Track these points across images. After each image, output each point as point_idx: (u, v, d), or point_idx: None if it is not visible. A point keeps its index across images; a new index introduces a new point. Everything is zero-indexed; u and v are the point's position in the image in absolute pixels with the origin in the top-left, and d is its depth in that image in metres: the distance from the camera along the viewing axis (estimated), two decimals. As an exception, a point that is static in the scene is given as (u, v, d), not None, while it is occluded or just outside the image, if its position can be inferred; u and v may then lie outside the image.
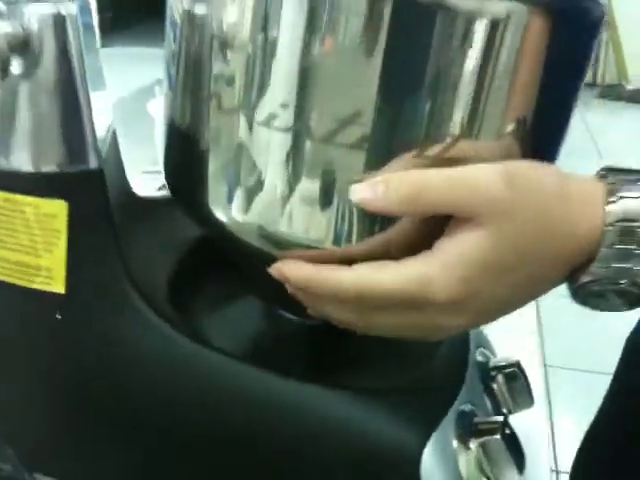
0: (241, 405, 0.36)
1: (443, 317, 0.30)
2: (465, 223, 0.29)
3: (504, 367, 0.43)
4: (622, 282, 0.31)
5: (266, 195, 0.32)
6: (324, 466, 0.35)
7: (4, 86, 0.32)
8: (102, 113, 0.37)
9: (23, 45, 0.32)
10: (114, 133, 0.41)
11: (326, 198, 0.31)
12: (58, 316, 0.37)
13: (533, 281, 0.31)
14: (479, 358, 0.44)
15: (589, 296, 0.32)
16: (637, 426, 0.58)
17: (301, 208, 0.32)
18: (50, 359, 0.38)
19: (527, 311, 0.69)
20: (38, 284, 0.36)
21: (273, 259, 0.32)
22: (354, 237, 0.32)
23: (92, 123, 0.35)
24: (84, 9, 0.34)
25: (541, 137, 0.34)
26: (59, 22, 0.32)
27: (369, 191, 0.29)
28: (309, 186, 0.31)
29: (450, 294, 0.29)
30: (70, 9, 0.32)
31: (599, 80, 4.21)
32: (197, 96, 0.34)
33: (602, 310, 0.33)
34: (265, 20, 0.30)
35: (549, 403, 1.81)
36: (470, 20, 0.29)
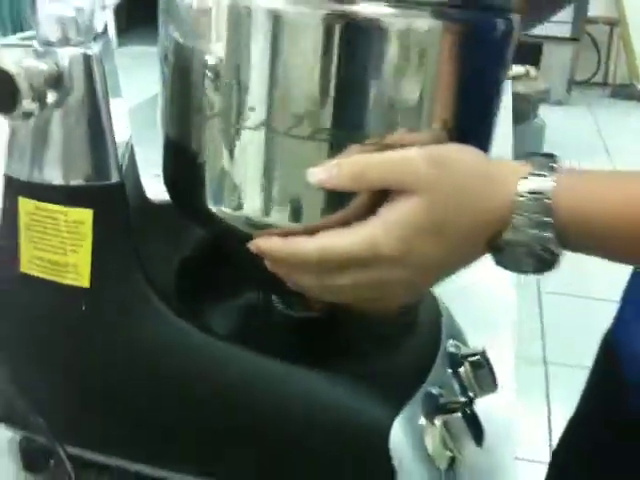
0: (238, 382, 0.42)
1: (388, 271, 0.37)
2: (400, 195, 0.37)
3: (471, 355, 0.49)
4: (535, 246, 0.37)
5: (249, 190, 0.39)
6: (304, 435, 0.41)
7: (40, 113, 0.39)
8: (120, 123, 0.43)
9: (57, 80, 0.38)
10: (132, 147, 0.47)
11: (294, 186, 0.38)
12: (83, 307, 0.43)
13: (458, 245, 0.38)
14: (450, 347, 0.50)
15: (508, 259, 0.39)
16: (608, 415, 0.64)
17: (274, 197, 0.39)
18: (77, 345, 0.44)
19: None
20: (66, 279, 0.43)
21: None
22: (318, 214, 0.39)
23: (114, 143, 0.41)
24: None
25: (467, 131, 0.40)
26: (86, 60, 0.39)
27: (325, 173, 0.37)
28: (279, 179, 0.39)
29: (392, 250, 0.36)
30: (95, 49, 0.39)
31: (610, 80, 4.23)
32: (183, 114, 0.41)
33: (519, 272, 0.40)
34: (237, 58, 0.37)
35: (547, 397, 1.86)
36: (401, 36, 0.36)
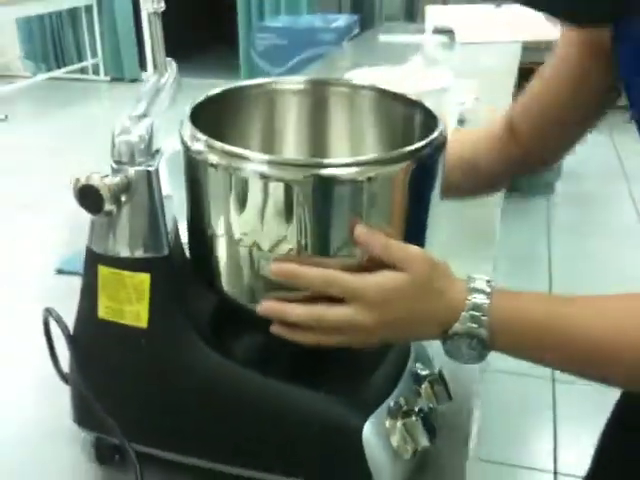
0: (249, 396, 0.59)
1: (363, 311, 0.54)
2: (398, 270, 0.55)
3: (430, 375, 0.65)
4: (471, 343, 0.56)
5: (242, 277, 0.58)
6: (301, 434, 0.58)
7: (117, 210, 0.56)
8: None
9: (127, 187, 0.56)
10: (176, 221, 0.64)
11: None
12: (143, 341, 0.60)
13: (417, 323, 0.57)
14: (414, 368, 0.66)
15: (452, 348, 0.57)
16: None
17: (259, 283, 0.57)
18: (139, 369, 0.61)
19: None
20: (131, 322, 0.60)
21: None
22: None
23: (166, 227, 0.58)
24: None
25: (410, 235, 0.58)
26: (147, 174, 0.56)
27: (368, 236, 0.55)
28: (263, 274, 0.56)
29: (374, 297, 0.54)
30: (153, 165, 0.56)
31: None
32: (199, 227, 0.60)
33: (460, 362, 0.58)
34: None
35: (554, 413, 1.98)
36: (353, 183, 0.53)
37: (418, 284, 0.55)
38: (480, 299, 0.55)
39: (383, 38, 2.98)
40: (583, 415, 1.92)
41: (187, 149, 0.57)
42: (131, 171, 0.56)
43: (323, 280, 0.54)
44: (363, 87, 0.69)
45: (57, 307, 0.64)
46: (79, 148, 4.34)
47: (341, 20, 3.40)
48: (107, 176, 0.55)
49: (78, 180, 0.54)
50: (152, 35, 0.63)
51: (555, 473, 1.81)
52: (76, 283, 0.62)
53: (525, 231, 3.13)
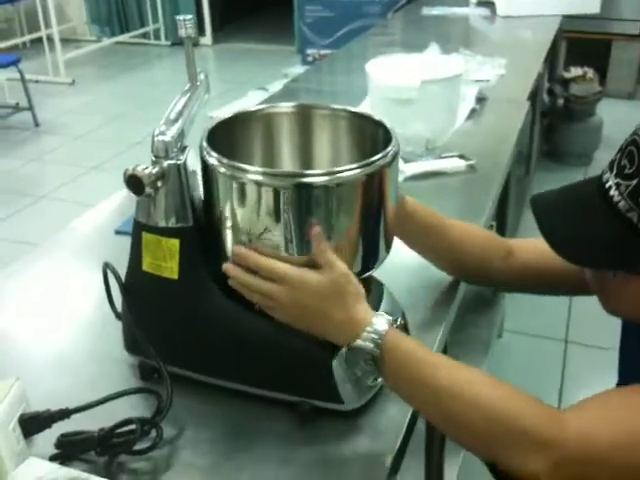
0: (248, 331, 0.79)
1: (284, 290, 0.74)
2: (321, 269, 0.73)
3: (394, 321, 0.84)
4: (366, 359, 0.73)
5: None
6: (291, 367, 0.78)
7: (155, 192, 0.76)
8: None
9: (162, 176, 0.76)
10: (201, 198, 0.84)
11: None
12: (176, 289, 0.81)
13: (324, 320, 0.75)
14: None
15: (350, 359, 0.75)
16: None
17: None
18: (171, 308, 0.82)
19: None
20: (166, 274, 0.81)
21: None
22: None
23: (192, 204, 0.78)
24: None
25: (366, 243, 0.77)
26: (178, 166, 0.76)
27: (319, 239, 0.74)
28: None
29: (292, 282, 0.73)
30: (182, 160, 0.76)
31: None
32: (211, 211, 0.77)
33: (357, 373, 0.76)
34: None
35: (562, 376, 2.13)
36: (326, 188, 0.72)
37: (330, 288, 0.74)
38: (381, 326, 0.73)
39: (426, 11, 3.08)
40: (591, 378, 2.06)
41: (204, 161, 0.77)
42: (165, 164, 0.76)
43: (261, 264, 0.75)
44: (340, 110, 0.89)
45: (114, 261, 0.85)
46: (142, 111, 4.60)
47: (387, -8, 3.48)
48: (147, 167, 0.75)
49: (127, 170, 0.74)
50: (187, 53, 0.83)
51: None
52: (129, 243, 0.83)
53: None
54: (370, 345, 0.72)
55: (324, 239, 0.73)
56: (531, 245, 0.97)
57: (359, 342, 0.72)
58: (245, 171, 0.73)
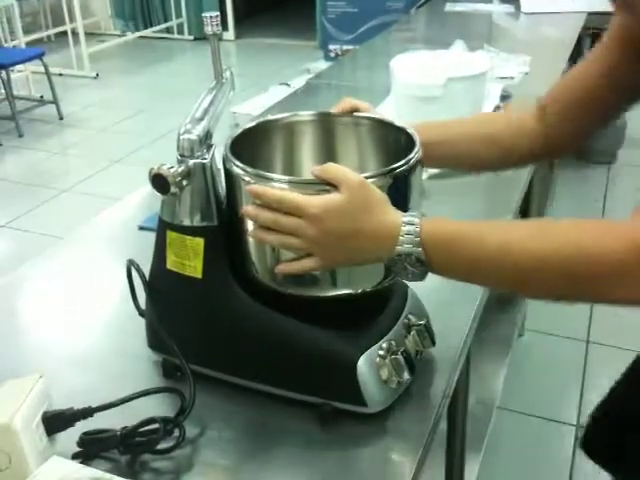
0: (274, 331, 0.79)
1: (306, 223, 0.69)
2: (337, 190, 0.69)
3: (418, 325, 0.83)
4: (410, 261, 0.70)
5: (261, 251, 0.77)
6: (309, 362, 0.77)
7: (180, 191, 0.76)
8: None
9: (188, 175, 0.76)
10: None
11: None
12: (200, 287, 0.81)
13: (356, 240, 0.70)
14: (407, 318, 0.84)
15: (396, 268, 0.71)
16: None
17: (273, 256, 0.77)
18: (195, 308, 0.82)
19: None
20: (190, 273, 0.80)
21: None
22: None
23: (218, 203, 0.78)
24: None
25: None
26: (203, 165, 0.76)
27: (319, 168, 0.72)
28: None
29: (314, 211, 0.69)
30: (207, 159, 0.76)
31: None
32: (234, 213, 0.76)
33: (407, 280, 0.73)
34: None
35: (583, 376, 2.11)
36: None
37: (353, 203, 0.69)
38: (413, 222, 0.69)
39: (449, 7, 3.06)
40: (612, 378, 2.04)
41: (226, 168, 0.77)
42: (191, 163, 0.76)
43: (277, 198, 0.71)
44: (363, 117, 0.88)
45: (137, 258, 0.86)
46: (165, 105, 4.62)
47: (410, -12, 3.46)
48: (173, 167, 0.75)
49: (152, 169, 0.74)
50: (212, 50, 0.82)
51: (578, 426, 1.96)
52: (153, 239, 0.83)
53: (580, 201, 3.10)
54: (409, 246, 0.69)
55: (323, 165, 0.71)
56: (560, 86, 0.95)
57: (399, 249, 0.69)
58: (271, 180, 0.72)
